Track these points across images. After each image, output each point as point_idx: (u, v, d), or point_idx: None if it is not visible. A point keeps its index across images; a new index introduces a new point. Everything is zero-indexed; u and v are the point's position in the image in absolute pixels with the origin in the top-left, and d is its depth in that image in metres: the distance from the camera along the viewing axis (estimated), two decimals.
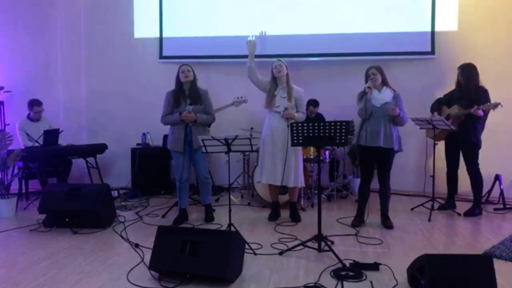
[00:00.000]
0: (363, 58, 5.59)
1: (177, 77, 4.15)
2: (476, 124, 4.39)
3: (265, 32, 4.61)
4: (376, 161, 4.04)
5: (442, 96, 4.78)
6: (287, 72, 4.23)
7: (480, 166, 4.49)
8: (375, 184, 4.11)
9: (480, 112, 4.21)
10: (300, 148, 4.28)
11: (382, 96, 3.95)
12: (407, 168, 5.66)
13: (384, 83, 4.00)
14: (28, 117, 5.44)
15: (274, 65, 4.24)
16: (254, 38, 4.40)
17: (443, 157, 4.79)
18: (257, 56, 4.41)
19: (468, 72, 4.43)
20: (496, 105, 4.14)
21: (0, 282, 2.78)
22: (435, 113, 4.69)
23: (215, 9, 5.98)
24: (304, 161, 4.56)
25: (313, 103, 5.42)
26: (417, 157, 5.58)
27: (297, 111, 4.22)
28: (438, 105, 4.74)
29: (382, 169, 4.02)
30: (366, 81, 3.98)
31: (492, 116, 4.51)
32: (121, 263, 3.12)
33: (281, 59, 4.32)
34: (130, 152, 5.79)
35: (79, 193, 4.04)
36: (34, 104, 5.39)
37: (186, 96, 4.13)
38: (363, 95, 3.92)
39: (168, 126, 5.26)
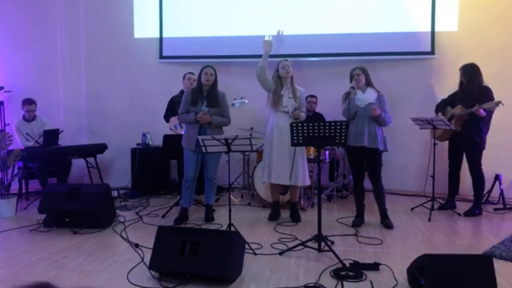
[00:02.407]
0: (363, 58, 5.59)
1: (199, 77, 4.15)
2: (480, 124, 4.35)
3: (282, 32, 4.55)
4: (364, 161, 4.06)
5: (446, 96, 4.77)
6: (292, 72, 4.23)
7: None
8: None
9: (482, 112, 4.20)
10: (304, 147, 4.29)
11: (366, 97, 3.99)
12: (407, 168, 5.66)
13: (368, 83, 4.06)
14: (24, 117, 5.44)
15: (281, 64, 4.21)
16: (270, 38, 4.30)
17: (443, 157, 4.79)
18: (258, 56, 4.39)
19: (470, 73, 4.43)
20: (497, 104, 4.13)
21: (0, 282, 2.78)
22: (439, 114, 4.68)
23: (215, 9, 5.97)
24: None
25: (310, 95, 5.45)
26: (417, 157, 5.58)
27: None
28: (442, 106, 4.73)
29: (371, 169, 4.05)
30: (351, 82, 4.03)
31: (492, 116, 4.51)
32: (121, 263, 3.12)
33: (288, 59, 4.29)
34: (130, 152, 5.78)
35: (79, 193, 4.04)
36: (25, 103, 5.38)
37: (204, 97, 4.14)
38: (347, 96, 3.98)
39: (167, 126, 5.29)
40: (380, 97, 4.02)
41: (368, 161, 4.04)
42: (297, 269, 2.99)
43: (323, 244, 3.33)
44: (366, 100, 3.98)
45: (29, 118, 5.43)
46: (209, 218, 4.29)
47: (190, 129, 4.15)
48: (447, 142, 4.73)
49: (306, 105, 4.80)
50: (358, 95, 3.99)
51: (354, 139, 3.95)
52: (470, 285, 2.37)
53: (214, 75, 4.12)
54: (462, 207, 4.66)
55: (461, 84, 4.54)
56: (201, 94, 4.14)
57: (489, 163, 4.81)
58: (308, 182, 4.33)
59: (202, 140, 3.56)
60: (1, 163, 4.55)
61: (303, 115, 4.21)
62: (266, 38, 4.29)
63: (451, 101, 4.65)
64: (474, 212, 4.47)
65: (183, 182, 4.21)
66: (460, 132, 4.39)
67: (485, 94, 4.32)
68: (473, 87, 4.39)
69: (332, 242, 3.50)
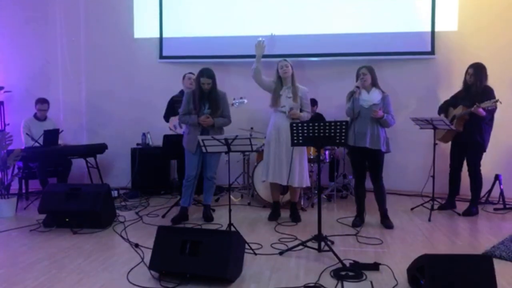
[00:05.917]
0: (363, 58, 5.58)
1: (198, 80, 4.09)
2: (482, 124, 4.32)
3: (274, 34, 4.57)
4: (366, 161, 4.05)
5: (448, 97, 4.72)
6: (292, 72, 4.21)
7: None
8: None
9: (481, 111, 4.17)
10: (305, 148, 4.29)
11: (371, 97, 3.96)
12: (407, 168, 5.66)
13: (374, 84, 4.01)
14: (35, 115, 5.50)
15: (280, 65, 4.21)
16: (263, 40, 4.30)
17: (444, 157, 4.78)
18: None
19: (481, 72, 4.36)
20: (494, 102, 4.10)
21: (0, 282, 2.78)
22: (442, 115, 4.63)
23: (215, 9, 5.97)
24: None
25: (312, 101, 5.43)
26: (417, 157, 5.58)
27: (301, 111, 4.22)
28: (445, 107, 4.68)
29: (373, 170, 4.05)
30: (357, 80, 4.00)
31: (494, 116, 4.50)
32: (121, 263, 3.12)
33: (287, 58, 4.28)
34: (130, 152, 5.78)
35: (79, 193, 4.04)
36: (38, 101, 5.48)
37: (205, 99, 4.12)
38: (352, 95, 3.95)
39: (167, 126, 5.29)
40: (385, 98, 3.98)
41: (369, 162, 4.03)
42: (297, 269, 2.99)
43: (323, 244, 3.33)
44: (370, 100, 3.94)
45: (42, 117, 5.48)
46: (208, 218, 4.29)
47: (192, 131, 4.15)
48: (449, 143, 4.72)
49: None
50: (362, 95, 3.95)
51: (357, 139, 3.92)
52: (470, 285, 2.37)
53: (211, 83, 4.06)
54: (463, 207, 4.65)
55: (465, 83, 4.48)
56: (202, 97, 4.12)
57: (489, 163, 4.81)
58: (307, 184, 4.30)
59: (202, 140, 3.56)
60: (1, 163, 4.55)
61: (303, 115, 4.19)
62: (260, 39, 4.29)
63: (454, 101, 4.60)
64: (471, 210, 4.47)
65: (184, 181, 4.22)
66: (462, 132, 4.37)
67: (488, 94, 4.27)
68: (479, 87, 4.33)
69: (332, 242, 3.50)
